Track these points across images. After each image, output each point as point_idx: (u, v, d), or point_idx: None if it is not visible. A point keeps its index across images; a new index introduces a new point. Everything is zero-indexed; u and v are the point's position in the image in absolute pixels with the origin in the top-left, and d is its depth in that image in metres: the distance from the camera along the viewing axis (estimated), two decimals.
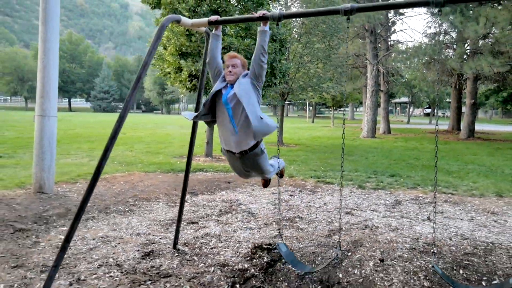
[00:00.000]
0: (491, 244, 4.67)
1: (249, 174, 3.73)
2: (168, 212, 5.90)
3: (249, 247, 4.49)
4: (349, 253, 4.32)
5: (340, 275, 3.85)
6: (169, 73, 9.54)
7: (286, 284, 3.69)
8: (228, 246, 4.58)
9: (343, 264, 4.07)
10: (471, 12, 13.53)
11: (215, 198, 6.86)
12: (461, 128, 20.78)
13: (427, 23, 23.74)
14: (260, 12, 3.03)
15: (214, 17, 3.25)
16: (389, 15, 20.39)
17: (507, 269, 3.98)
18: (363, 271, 3.91)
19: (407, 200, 6.89)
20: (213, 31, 3.41)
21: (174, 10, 8.15)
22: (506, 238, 4.93)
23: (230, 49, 8.79)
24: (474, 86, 19.48)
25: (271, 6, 9.73)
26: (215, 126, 3.57)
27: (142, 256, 4.23)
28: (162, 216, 5.68)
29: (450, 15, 14.60)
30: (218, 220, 5.55)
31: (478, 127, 23.12)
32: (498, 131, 27.51)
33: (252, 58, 3.29)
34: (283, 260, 4.10)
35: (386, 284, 3.65)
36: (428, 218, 5.75)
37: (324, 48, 13.21)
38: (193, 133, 4.27)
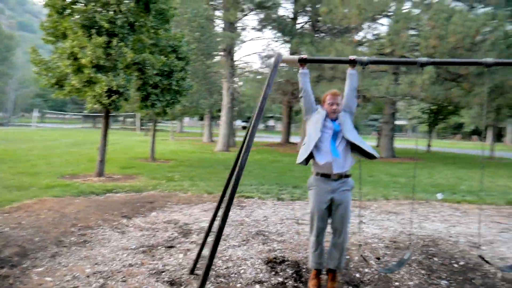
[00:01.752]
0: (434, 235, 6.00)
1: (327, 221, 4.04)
2: (126, 238, 5.60)
3: (261, 263, 4.77)
4: (348, 257, 5.02)
5: (357, 275, 4.52)
6: (57, 84, 8.70)
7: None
8: (238, 264, 4.76)
9: (351, 266, 4.75)
10: (320, 44, 16.16)
11: (154, 220, 6.70)
12: (300, 141, 23.66)
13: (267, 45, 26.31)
14: (351, 57, 3.53)
15: (304, 56, 3.57)
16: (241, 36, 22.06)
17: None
18: (371, 270, 4.66)
19: None
20: (301, 70, 3.73)
21: (89, 19, 7.52)
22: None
23: (145, 65, 8.57)
24: None
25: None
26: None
27: (170, 286, 4.11)
28: (127, 243, 5.37)
29: (303, 45, 16.93)
30: (194, 242, 5.56)
31: None
32: None
33: (348, 97, 3.90)
34: (304, 267, 4.56)
35: (402, 277, 4.49)
36: (297, 221, 6.82)
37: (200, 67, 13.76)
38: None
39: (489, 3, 17.03)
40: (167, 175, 11.39)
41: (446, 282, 4.46)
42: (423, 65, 3.52)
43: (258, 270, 4.61)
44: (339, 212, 3.97)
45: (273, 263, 4.78)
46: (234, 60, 21.70)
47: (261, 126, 76.26)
